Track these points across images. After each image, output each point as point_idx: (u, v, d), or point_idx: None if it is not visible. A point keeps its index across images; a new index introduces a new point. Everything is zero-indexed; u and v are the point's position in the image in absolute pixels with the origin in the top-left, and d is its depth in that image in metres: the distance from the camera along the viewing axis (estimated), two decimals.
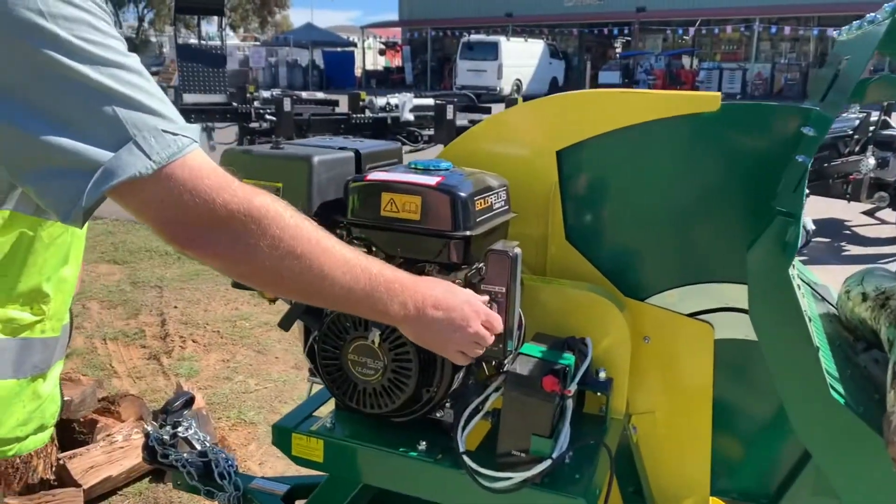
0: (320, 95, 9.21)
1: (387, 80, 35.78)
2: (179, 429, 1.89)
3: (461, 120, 7.39)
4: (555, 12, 31.11)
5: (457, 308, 1.14)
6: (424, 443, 1.37)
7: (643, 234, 1.60)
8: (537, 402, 1.24)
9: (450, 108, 6.91)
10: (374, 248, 1.39)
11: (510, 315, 1.29)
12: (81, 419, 2.61)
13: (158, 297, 4.62)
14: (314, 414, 1.56)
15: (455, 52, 29.18)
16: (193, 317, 4.26)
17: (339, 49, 36.60)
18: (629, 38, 32.47)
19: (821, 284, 1.85)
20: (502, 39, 25.63)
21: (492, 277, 1.28)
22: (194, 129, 0.91)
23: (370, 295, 1.04)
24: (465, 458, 1.27)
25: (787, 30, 27.30)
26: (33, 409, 1.10)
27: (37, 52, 0.80)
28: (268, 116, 8.02)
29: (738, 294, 1.56)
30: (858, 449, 1.18)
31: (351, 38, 41.10)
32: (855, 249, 6.55)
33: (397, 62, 39.20)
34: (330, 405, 1.56)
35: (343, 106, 8.74)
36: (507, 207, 1.47)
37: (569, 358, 1.34)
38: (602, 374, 1.47)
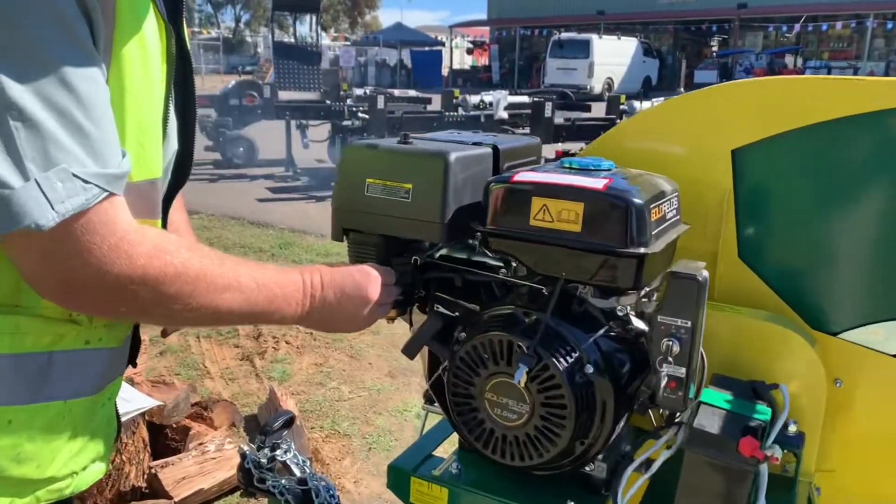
0: (412, 93, 9.09)
1: (474, 80, 35.61)
2: (278, 451, 1.71)
3: (558, 118, 7.07)
4: (649, 9, 30.15)
5: (347, 284, 1.06)
6: (572, 503, 1.12)
7: (841, 252, 1.29)
8: (732, 470, 0.97)
9: (548, 106, 6.60)
10: (514, 263, 1.16)
11: (694, 355, 1.02)
12: (174, 425, 2.50)
13: None
14: (434, 453, 1.34)
15: (543, 51, 28.70)
16: None
17: (426, 48, 36.74)
18: (726, 37, 31.10)
19: None
20: (594, 37, 24.99)
21: (674, 308, 1.01)
22: (117, 171, 0.75)
23: (274, 310, 0.96)
24: None
25: None
26: (87, 438, 0.91)
27: None
28: (360, 114, 7.95)
29: None
30: None
31: (439, 38, 41.19)
32: None
33: (484, 61, 39.00)
34: (451, 440, 1.34)
35: (436, 104, 8.57)
36: (678, 217, 1.20)
37: (764, 411, 1.07)
38: (792, 428, 1.18)
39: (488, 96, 8.00)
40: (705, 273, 1.03)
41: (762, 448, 0.98)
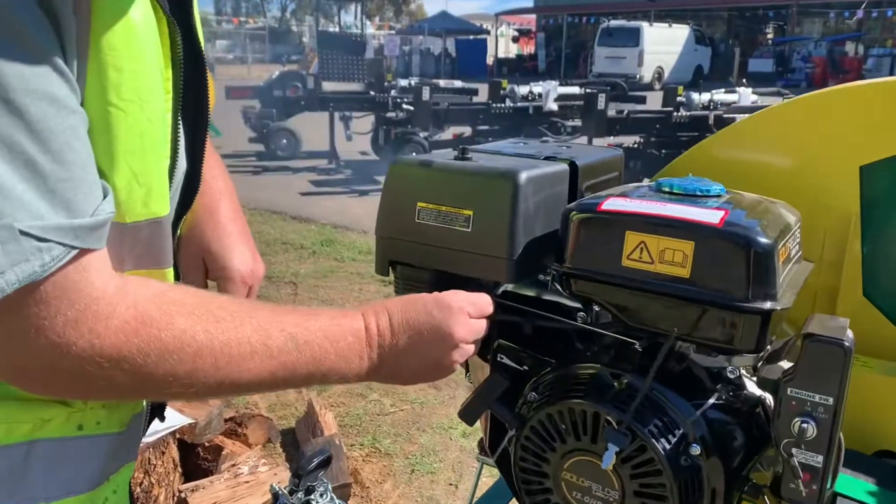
0: (458, 84, 8.87)
1: (519, 68, 35.12)
2: (313, 495, 1.54)
3: (610, 110, 6.77)
4: None
5: (425, 326, 0.82)
6: None
7: None
8: None
9: (601, 98, 6.30)
10: (595, 308, 0.94)
11: (834, 439, 0.80)
12: (206, 443, 2.35)
13: (292, 295, 4.42)
14: None
15: (590, 39, 28.09)
16: None
17: (471, 37, 36.36)
18: (782, 24, 30.00)
19: None
20: (644, 25, 24.32)
21: (811, 379, 0.79)
22: (89, 220, 0.57)
23: (325, 372, 0.74)
24: None
25: None
26: None
27: None
28: (405, 106, 7.77)
29: None
30: None
31: (484, 26, 40.73)
32: None
33: (529, 49, 38.45)
34: None
35: (482, 94, 8.34)
36: (801, 254, 0.97)
37: None
38: None
39: (537, 87, 7.72)
40: (851, 335, 0.80)
41: None
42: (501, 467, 1.04)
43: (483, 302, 0.89)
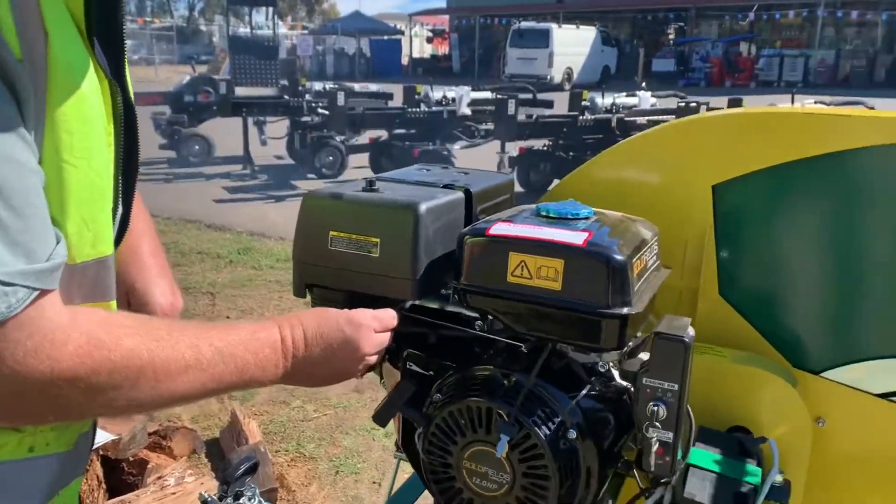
0: (373, 88, 8.95)
1: (434, 68, 35.40)
2: (242, 500, 1.63)
3: (521, 115, 7.02)
4: None
5: (334, 336, 0.94)
6: None
7: (824, 290, 1.26)
8: None
9: (511, 103, 6.54)
10: (491, 319, 1.09)
11: (681, 418, 0.97)
12: (131, 458, 2.38)
13: (210, 306, 4.42)
14: None
15: (503, 40, 28.64)
16: None
17: (385, 37, 36.38)
18: (683, 25, 31.46)
19: None
20: (554, 26, 25.02)
21: (660, 370, 0.95)
22: (46, 264, 0.66)
23: (247, 379, 0.85)
24: None
25: (853, 14, 26.02)
26: None
27: None
28: (320, 110, 7.79)
29: None
30: None
31: (398, 26, 40.81)
32: None
33: (444, 50, 38.80)
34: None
35: (398, 98, 8.45)
36: (659, 263, 1.15)
37: (754, 472, 1.02)
38: (778, 478, 1.14)
39: (451, 92, 7.91)
40: (692, 332, 0.97)
41: None
42: (413, 461, 1.17)
43: (387, 317, 1.02)
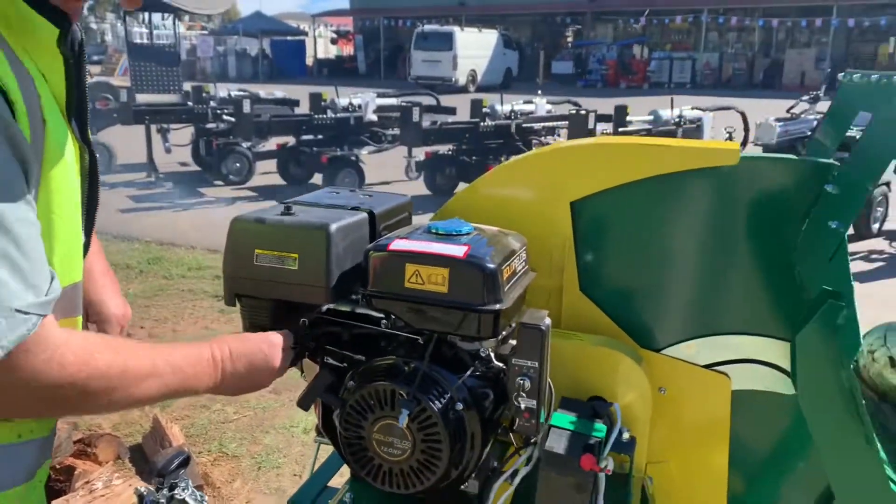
0: (279, 94, 9.00)
1: (339, 70, 35.28)
2: (176, 490, 1.80)
3: (425, 122, 7.30)
4: (508, 1, 31.09)
5: (254, 353, 1.20)
6: None
7: (659, 285, 1.57)
8: (576, 483, 1.21)
9: (416, 111, 6.81)
10: (392, 318, 1.33)
11: (542, 388, 1.25)
12: (58, 465, 2.48)
13: None
14: (328, 485, 1.49)
15: (408, 42, 28.93)
16: (162, 337, 4.11)
17: (288, 38, 35.91)
18: (580, 27, 32.71)
19: None
20: (456, 30, 25.51)
21: (524, 352, 1.23)
22: (49, 297, 0.86)
23: (189, 387, 1.08)
24: None
25: (733, 20, 27.84)
26: None
27: None
28: (225, 117, 7.79)
29: (755, 346, 1.55)
30: None
31: (301, 27, 40.37)
32: None
33: (349, 51, 38.71)
34: (341, 472, 1.50)
35: (304, 103, 8.55)
36: (527, 268, 1.42)
37: (601, 428, 1.31)
38: (626, 435, 1.44)
39: (357, 98, 8.10)
40: (548, 321, 1.25)
41: (599, 462, 1.22)
42: (332, 439, 1.40)
43: (290, 337, 1.28)
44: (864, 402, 1.54)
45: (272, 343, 1.22)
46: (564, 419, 1.33)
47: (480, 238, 1.32)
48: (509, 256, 1.31)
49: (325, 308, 1.37)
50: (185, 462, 1.87)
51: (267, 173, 8.58)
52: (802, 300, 1.39)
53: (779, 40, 29.69)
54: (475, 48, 25.81)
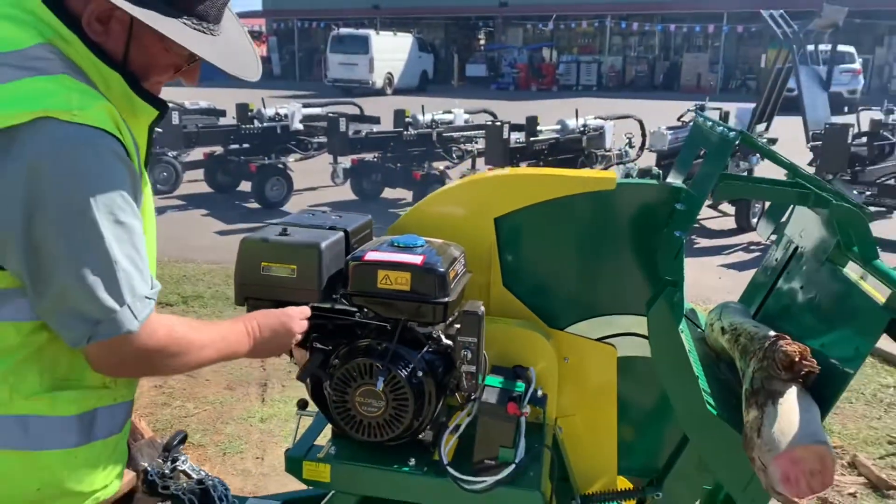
0: (204, 104, 9.15)
1: None
2: (178, 462, 2.17)
3: (350, 130, 7.69)
4: (421, 5, 31.59)
5: (275, 324, 1.56)
6: (413, 459, 1.77)
7: (561, 281, 2.08)
8: (504, 424, 1.69)
9: (342, 121, 7.20)
10: (365, 310, 1.77)
11: (480, 358, 1.72)
12: None
13: None
14: (314, 443, 1.91)
15: (323, 44, 28.98)
16: None
17: None
18: (492, 30, 33.57)
19: (689, 308, 2.42)
20: (372, 33, 25.81)
21: (466, 331, 1.70)
22: (157, 288, 1.25)
23: (232, 352, 1.45)
24: (449, 469, 1.69)
25: (634, 25, 29.32)
26: (114, 461, 1.37)
27: (81, 215, 1.13)
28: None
29: (634, 323, 2.08)
30: (725, 443, 1.72)
31: None
32: (703, 242, 7.54)
33: (263, 52, 38.22)
34: (325, 434, 1.92)
35: (226, 107, 8.72)
36: (466, 269, 1.89)
37: (520, 385, 1.79)
38: (539, 392, 1.94)
39: (283, 109, 8.39)
40: (482, 308, 1.72)
41: (520, 409, 1.71)
42: (321, 406, 1.82)
43: (306, 309, 1.68)
44: (706, 357, 2.10)
45: (289, 315, 1.58)
46: (495, 380, 1.81)
47: (431, 249, 1.78)
48: (453, 262, 1.78)
49: (312, 306, 1.80)
50: (184, 440, 2.23)
51: (193, 181, 8.74)
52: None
53: (677, 44, 31.53)
54: (391, 51, 26.21)
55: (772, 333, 1.74)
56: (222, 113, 9.31)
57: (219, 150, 8.23)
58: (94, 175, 1.14)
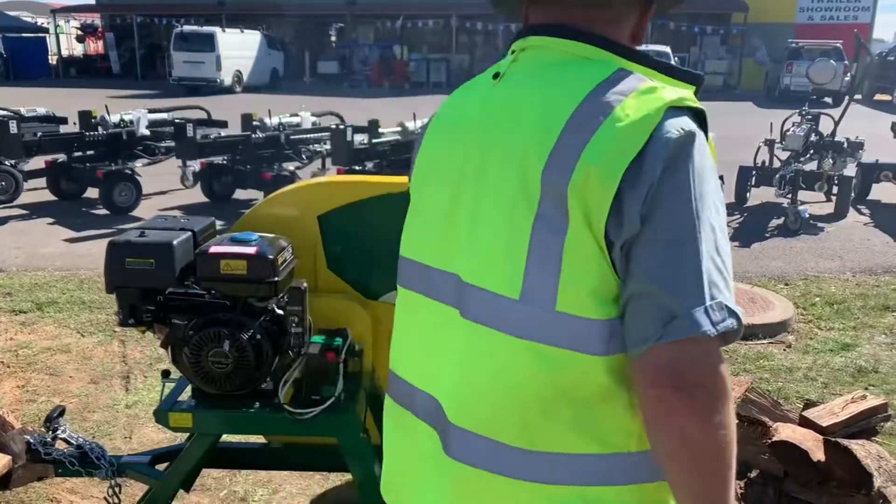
0: (42, 111, 8.91)
1: (90, 70, 32.93)
2: (59, 431, 2.56)
3: (197, 134, 7.92)
4: (268, 1, 31.19)
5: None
6: (258, 403, 2.32)
7: (373, 261, 2.69)
8: (326, 367, 2.28)
9: (189, 127, 7.43)
10: (213, 291, 2.29)
11: (305, 323, 2.30)
12: None
13: None
14: (178, 400, 2.41)
15: (165, 41, 27.99)
16: None
17: (24, 35, 32.68)
18: (343, 25, 33.75)
19: None
20: (218, 31, 25.29)
21: (293, 302, 2.27)
22: (741, 311, 0.93)
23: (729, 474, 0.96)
24: (286, 406, 2.26)
25: (479, 25, 30.65)
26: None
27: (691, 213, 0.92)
28: None
29: None
30: None
31: (40, 22, 36.84)
32: None
33: (98, 48, 36.12)
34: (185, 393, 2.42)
35: (54, 109, 8.57)
36: (293, 257, 2.46)
37: (339, 341, 2.39)
38: (357, 347, 2.54)
39: (128, 115, 8.41)
40: (305, 285, 2.30)
41: (337, 357, 2.30)
42: (181, 367, 2.32)
43: None
44: None
45: None
46: (319, 338, 2.39)
47: (263, 241, 2.33)
48: (281, 250, 2.33)
49: (169, 290, 2.30)
50: (62, 412, 2.62)
51: (35, 189, 8.57)
52: None
53: None
54: (239, 49, 25.79)
55: None
56: (63, 121, 9.14)
57: (62, 157, 8.15)
58: None
